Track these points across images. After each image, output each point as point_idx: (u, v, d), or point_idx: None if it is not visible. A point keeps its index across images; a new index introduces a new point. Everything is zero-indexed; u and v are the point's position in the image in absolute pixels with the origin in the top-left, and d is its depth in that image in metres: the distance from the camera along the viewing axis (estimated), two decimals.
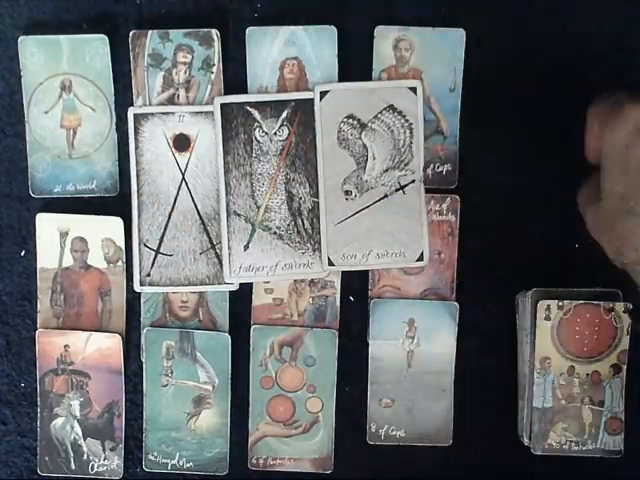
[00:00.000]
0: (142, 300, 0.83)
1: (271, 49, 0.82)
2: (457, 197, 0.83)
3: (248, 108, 0.81)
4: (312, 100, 0.81)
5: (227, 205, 0.82)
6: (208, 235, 0.82)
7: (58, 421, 0.82)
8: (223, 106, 0.81)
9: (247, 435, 0.83)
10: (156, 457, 0.83)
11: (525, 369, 0.82)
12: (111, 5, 0.82)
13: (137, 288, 0.82)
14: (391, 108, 0.81)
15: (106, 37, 0.81)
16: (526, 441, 0.81)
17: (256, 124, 0.81)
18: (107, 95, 0.82)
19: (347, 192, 0.82)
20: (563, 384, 0.80)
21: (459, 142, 0.83)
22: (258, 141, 0.81)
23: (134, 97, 0.82)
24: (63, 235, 0.82)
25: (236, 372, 0.83)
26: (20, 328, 0.84)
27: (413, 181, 0.82)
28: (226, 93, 0.82)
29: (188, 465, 0.83)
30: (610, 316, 0.80)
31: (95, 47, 0.81)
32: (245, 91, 0.82)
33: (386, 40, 0.82)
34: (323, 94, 0.81)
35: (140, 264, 0.82)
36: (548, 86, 0.84)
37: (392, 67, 0.82)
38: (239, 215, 0.82)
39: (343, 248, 0.82)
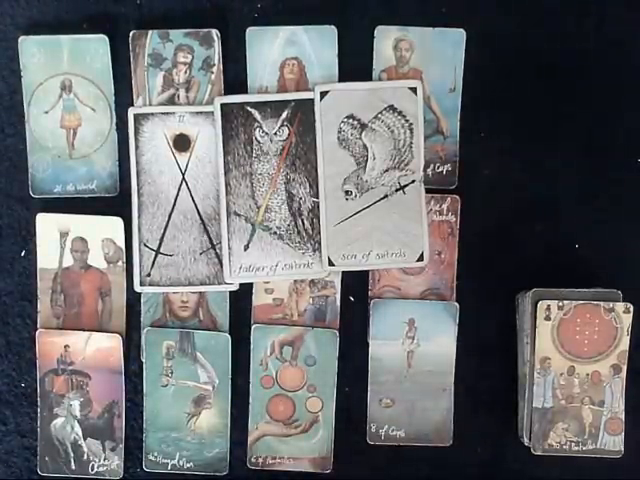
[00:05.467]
0: (142, 300, 0.83)
1: (271, 49, 0.82)
2: (457, 197, 0.83)
3: (248, 108, 0.81)
4: (312, 100, 0.81)
5: (227, 205, 0.81)
6: (208, 235, 0.82)
7: (58, 421, 0.82)
8: (223, 106, 0.81)
9: (247, 434, 0.83)
10: (156, 457, 0.83)
11: (525, 369, 0.82)
12: (111, 5, 0.82)
13: (137, 288, 0.82)
14: (391, 108, 0.81)
15: (106, 37, 0.81)
16: (526, 441, 0.81)
17: (256, 124, 0.81)
18: (107, 95, 0.82)
19: (347, 192, 0.82)
20: (563, 384, 0.80)
21: (459, 142, 0.83)
22: (258, 141, 0.81)
23: (134, 97, 0.82)
24: (63, 235, 0.82)
25: (236, 372, 0.83)
26: (20, 328, 0.84)
27: (413, 181, 0.82)
28: (226, 93, 0.82)
29: (188, 465, 0.83)
30: (610, 316, 0.80)
31: (95, 47, 0.81)
32: (245, 91, 0.82)
33: (386, 40, 0.82)
34: (323, 94, 0.81)
35: (140, 264, 0.82)
36: (548, 86, 0.84)
37: (392, 67, 0.82)
38: (239, 215, 0.82)
39: (343, 248, 0.82)
